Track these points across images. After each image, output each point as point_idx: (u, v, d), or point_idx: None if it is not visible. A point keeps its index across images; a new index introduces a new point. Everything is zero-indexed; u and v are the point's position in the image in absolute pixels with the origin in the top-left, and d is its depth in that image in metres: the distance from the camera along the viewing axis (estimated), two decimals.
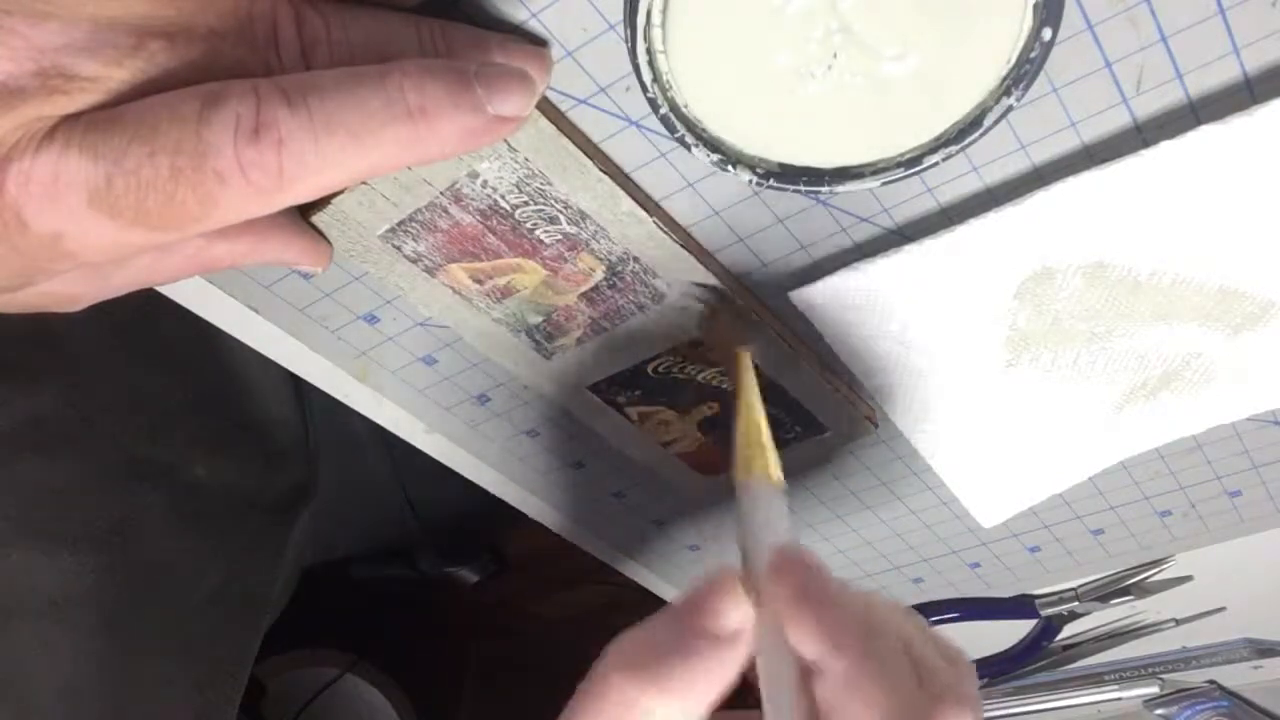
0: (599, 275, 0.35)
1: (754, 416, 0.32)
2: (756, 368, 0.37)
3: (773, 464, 0.31)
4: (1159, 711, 0.65)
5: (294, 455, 0.67)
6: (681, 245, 0.34)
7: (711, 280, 0.35)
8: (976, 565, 0.55)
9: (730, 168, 0.30)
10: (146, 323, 0.53)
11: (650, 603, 0.60)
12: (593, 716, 0.26)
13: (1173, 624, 0.60)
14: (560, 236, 0.34)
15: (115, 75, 0.22)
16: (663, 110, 0.28)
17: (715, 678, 0.27)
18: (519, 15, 0.28)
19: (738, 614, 0.27)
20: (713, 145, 0.29)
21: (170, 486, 0.54)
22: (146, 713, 0.51)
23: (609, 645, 0.27)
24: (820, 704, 0.26)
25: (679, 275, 0.35)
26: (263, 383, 0.64)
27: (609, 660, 0.27)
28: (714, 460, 0.46)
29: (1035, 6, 0.25)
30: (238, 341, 0.40)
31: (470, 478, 0.49)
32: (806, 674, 0.26)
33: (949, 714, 0.26)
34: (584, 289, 0.36)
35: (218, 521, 0.57)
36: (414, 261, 0.35)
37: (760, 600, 0.28)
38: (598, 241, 0.34)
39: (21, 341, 0.49)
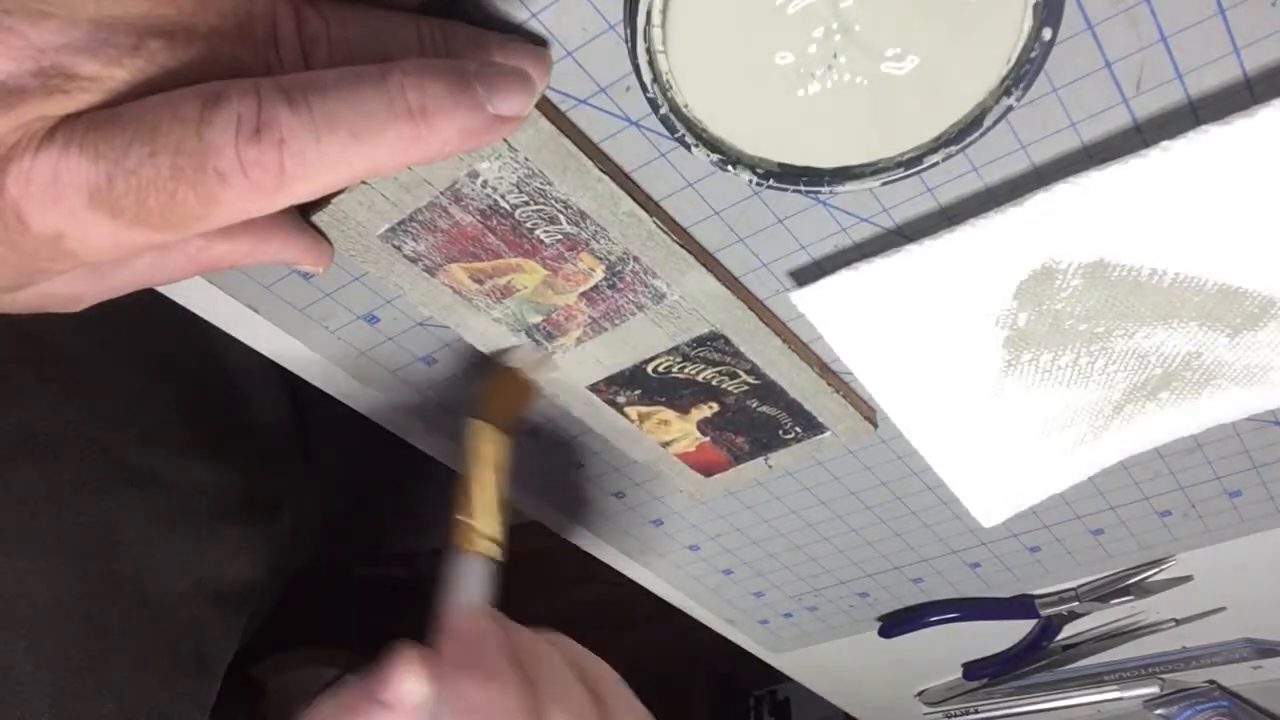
0: (599, 275, 0.35)
1: (490, 493, 0.36)
2: (753, 376, 0.37)
3: (488, 543, 0.35)
4: (1159, 711, 0.65)
5: (287, 457, 0.67)
6: (681, 245, 0.34)
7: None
8: (976, 565, 0.55)
9: (730, 168, 0.30)
10: (138, 329, 0.53)
11: (650, 603, 0.60)
12: None
13: (1173, 624, 0.60)
14: (560, 236, 0.34)
15: (115, 75, 0.22)
16: (663, 110, 0.28)
17: None
18: (519, 15, 0.28)
19: (408, 686, 0.30)
20: (713, 145, 0.29)
21: (160, 492, 0.54)
22: (125, 713, 0.51)
23: (308, 709, 0.31)
24: None
25: (679, 275, 0.35)
26: (256, 385, 0.64)
27: (306, 718, 0.30)
28: (714, 460, 0.46)
29: (1035, 6, 0.25)
30: (231, 344, 0.40)
31: None
32: None
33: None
34: (584, 289, 0.36)
35: (206, 524, 0.57)
36: (414, 261, 0.35)
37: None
38: (598, 241, 0.34)
39: (12, 349, 0.49)
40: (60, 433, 0.50)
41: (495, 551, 0.35)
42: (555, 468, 0.48)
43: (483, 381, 0.39)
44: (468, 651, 0.31)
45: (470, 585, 0.34)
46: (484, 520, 0.36)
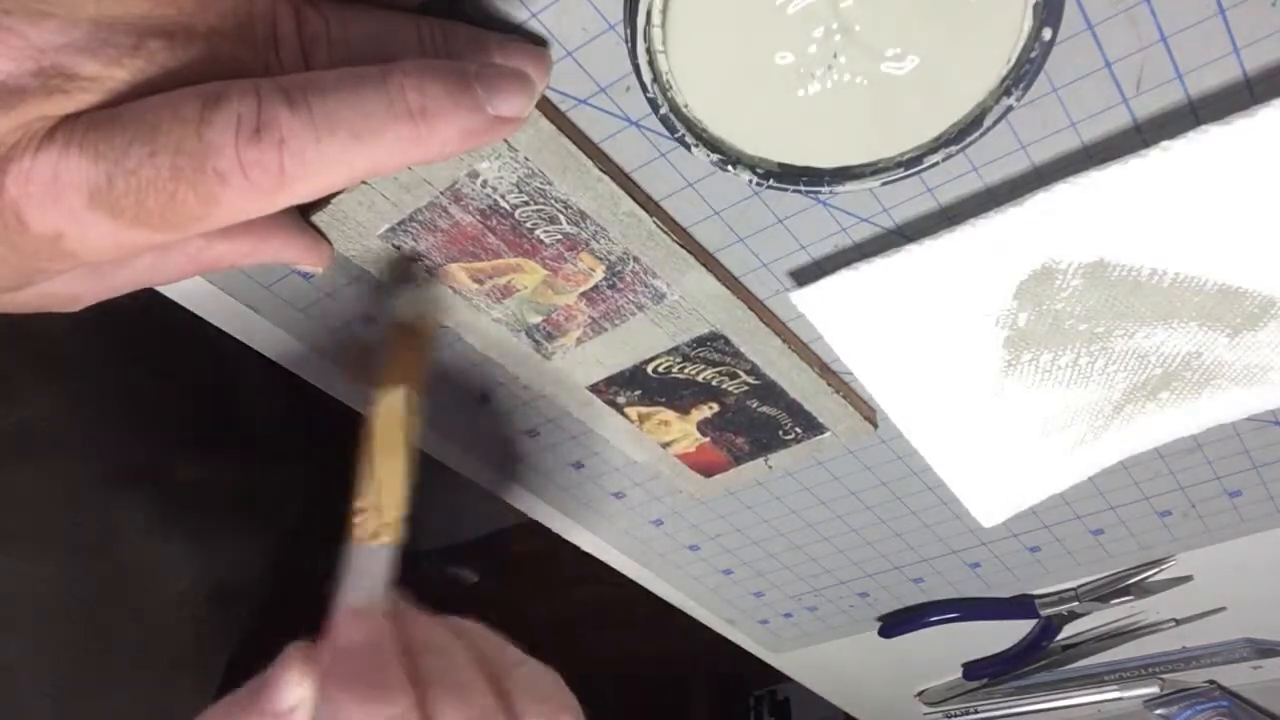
0: (599, 275, 0.35)
1: (395, 469, 0.33)
2: (753, 375, 0.36)
3: (389, 528, 0.32)
4: (1159, 711, 0.65)
5: (287, 456, 0.67)
6: (681, 245, 0.34)
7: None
8: (976, 565, 0.55)
9: (730, 168, 0.30)
10: (138, 329, 0.53)
11: (650, 603, 0.60)
12: None
13: (1173, 624, 0.60)
14: (560, 236, 0.34)
15: (115, 75, 0.22)
16: (663, 110, 0.28)
17: None
18: (519, 15, 0.28)
19: (293, 693, 0.28)
20: (713, 145, 0.29)
21: (159, 490, 0.54)
22: (125, 712, 0.51)
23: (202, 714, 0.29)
24: None
25: (679, 275, 0.35)
26: (256, 385, 0.64)
27: None
28: (714, 460, 0.46)
29: (1035, 6, 0.25)
30: (231, 343, 0.40)
31: (470, 477, 0.49)
32: None
33: None
34: (584, 289, 0.36)
35: (206, 524, 0.57)
36: (414, 262, 0.35)
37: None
38: (598, 241, 0.34)
39: (11, 349, 0.49)
40: (60, 432, 0.50)
41: (395, 535, 0.32)
42: (555, 467, 0.48)
43: (381, 344, 0.36)
44: (351, 662, 0.29)
45: (365, 581, 0.31)
46: (387, 503, 0.33)
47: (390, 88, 0.23)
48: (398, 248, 0.34)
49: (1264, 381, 0.39)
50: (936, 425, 0.42)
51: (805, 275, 0.36)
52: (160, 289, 0.36)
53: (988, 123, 0.28)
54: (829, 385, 0.40)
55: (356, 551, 0.32)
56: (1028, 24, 0.26)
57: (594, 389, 0.41)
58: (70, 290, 0.27)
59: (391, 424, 0.33)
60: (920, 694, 0.73)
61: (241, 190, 0.22)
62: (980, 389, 0.40)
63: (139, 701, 0.52)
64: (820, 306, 0.36)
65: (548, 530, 0.54)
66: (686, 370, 0.40)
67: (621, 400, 0.42)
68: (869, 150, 0.29)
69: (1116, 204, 0.31)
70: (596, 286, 0.36)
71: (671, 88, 0.28)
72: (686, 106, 0.28)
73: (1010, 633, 0.64)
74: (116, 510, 0.52)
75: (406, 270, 0.36)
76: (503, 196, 0.32)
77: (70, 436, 0.50)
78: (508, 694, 0.30)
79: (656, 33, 0.26)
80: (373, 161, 0.24)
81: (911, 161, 0.29)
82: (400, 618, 0.31)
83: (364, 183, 0.32)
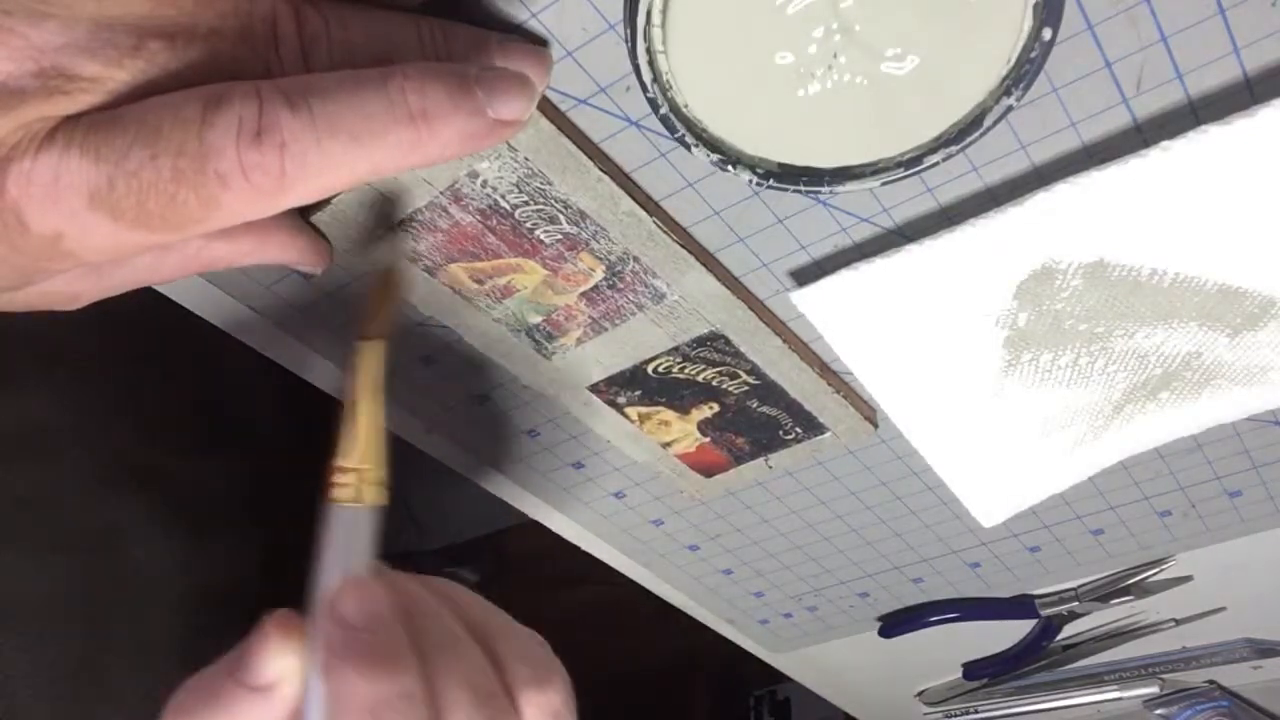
0: (599, 275, 0.35)
1: (376, 425, 0.30)
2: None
3: (374, 489, 0.29)
4: (1159, 711, 0.65)
5: (285, 455, 0.67)
6: (681, 245, 0.34)
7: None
8: (976, 565, 0.55)
9: (730, 168, 0.30)
10: (138, 328, 0.53)
11: (650, 602, 0.60)
12: None
13: (1173, 624, 0.60)
14: (560, 236, 0.34)
15: (116, 76, 0.22)
16: (663, 110, 0.28)
17: None
18: (519, 15, 0.28)
19: (276, 665, 0.26)
20: (713, 145, 0.29)
21: (160, 489, 0.54)
22: (123, 713, 0.51)
23: (179, 687, 0.27)
24: None
25: (679, 275, 0.35)
26: (256, 385, 0.64)
27: (169, 705, 0.27)
28: (714, 460, 0.46)
29: (1035, 6, 0.25)
30: (231, 343, 0.40)
31: (470, 477, 0.49)
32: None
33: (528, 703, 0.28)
34: (584, 289, 0.36)
35: (204, 522, 0.57)
36: (414, 261, 0.35)
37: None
38: (598, 241, 0.34)
39: (14, 347, 0.49)
40: (60, 432, 0.50)
41: (380, 495, 0.29)
42: (555, 467, 0.48)
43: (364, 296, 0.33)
44: (353, 633, 0.26)
45: (351, 545, 0.28)
46: (371, 462, 0.29)
47: (391, 90, 0.23)
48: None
49: (1264, 381, 0.39)
50: (936, 425, 0.42)
51: (805, 275, 0.36)
52: (160, 289, 0.36)
53: (988, 123, 0.28)
54: (829, 385, 0.40)
55: (339, 515, 0.29)
56: (1028, 24, 0.26)
57: (594, 389, 0.41)
58: (70, 289, 0.27)
59: (374, 378, 0.30)
60: (920, 694, 0.73)
61: (242, 192, 0.22)
62: (980, 389, 0.40)
63: (138, 701, 0.52)
64: (820, 306, 0.36)
65: (548, 530, 0.54)
66: (687, 370, 0.40)
67: (621, 400, 0.42)
68: (869, 150, 0.29)
69: (1116, 204, 0.31)
70: (596, 286, 0.36)
71: (671, 88, 0.28)
72: (686, 106, 0.28)
73: (1010, 633, 0.64)
74: (116, 510, 0.52)
75: (386, 216, 0.34)
76: (503, 196, 0.32)
77: (70, 436, 0.51)
78: (500, 660, 0.29)
79: (656, 33, 0.26)
80: (373, 164, 0.24)
81: (911, 161, 0.29)
82: (391, 585, 0.29)
83: (364, 183, 0.32)
